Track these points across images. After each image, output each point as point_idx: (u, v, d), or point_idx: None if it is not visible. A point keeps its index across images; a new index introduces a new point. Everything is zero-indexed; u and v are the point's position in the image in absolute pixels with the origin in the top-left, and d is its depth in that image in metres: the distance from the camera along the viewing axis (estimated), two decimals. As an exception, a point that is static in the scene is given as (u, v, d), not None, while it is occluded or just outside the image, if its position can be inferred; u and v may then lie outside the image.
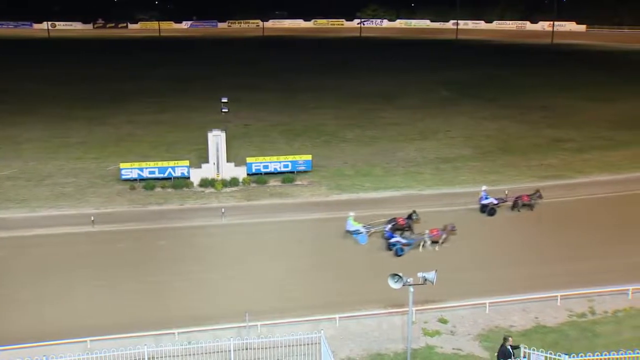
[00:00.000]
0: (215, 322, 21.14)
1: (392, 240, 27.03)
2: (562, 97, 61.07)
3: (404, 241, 26.97)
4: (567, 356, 17.28)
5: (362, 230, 28.02)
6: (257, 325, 20.69)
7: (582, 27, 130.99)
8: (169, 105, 58.21)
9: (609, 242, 27.76)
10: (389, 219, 28.61)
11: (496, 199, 31.58)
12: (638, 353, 17.53)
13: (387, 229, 27.57)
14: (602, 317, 22.00)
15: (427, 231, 27.40)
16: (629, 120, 49.17)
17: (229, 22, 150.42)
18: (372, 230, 28.45)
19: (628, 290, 23.00)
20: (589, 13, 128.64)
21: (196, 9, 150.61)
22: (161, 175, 35.37)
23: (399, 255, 26.57)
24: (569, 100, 59.28)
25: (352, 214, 28.42)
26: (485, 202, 31.47)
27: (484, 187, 32.02)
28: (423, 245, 27.23)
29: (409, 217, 28.90)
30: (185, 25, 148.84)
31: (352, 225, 28.11)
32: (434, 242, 27.39)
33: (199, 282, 24.54)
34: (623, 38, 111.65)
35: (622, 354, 17.41)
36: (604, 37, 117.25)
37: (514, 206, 31.86)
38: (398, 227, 28.20)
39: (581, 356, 17.37)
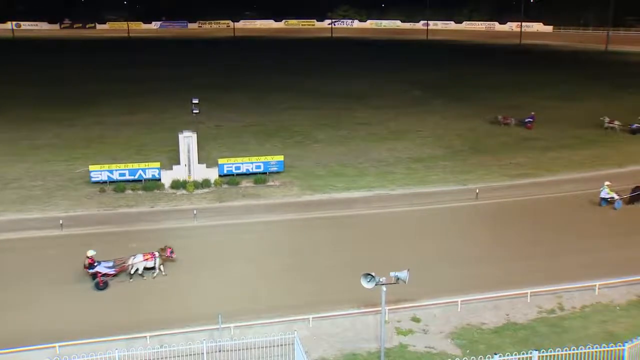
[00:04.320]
0: (188, 325, 20.94)
1: None
2: (530, 96, 62.00)
3: None
4: (537, 352, 17.54)
5: (616, 197, 31.88)
6: (229, 327, 20.57)
7: (549, 28, 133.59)
8: (139, 106, 57.60)
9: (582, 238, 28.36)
10: (634, 186, 32.62)
11: None
12: (605, 347, 17.89)
13: None
14: (571, 312, 22.39)
15: None
16: (595, 119, 50.15)
17: (199, 23, 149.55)
18: (624, 197, 32.20)
19: (595, 286, 23.46)
20: (555, 14, 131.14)
21: (165, 10, 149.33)
22: (131, 178, 34.94)
23: None
24: (537, 99, 60.18)
25: (607, 183, 32.30)
26: None
27: None
28: None
29: None
30: (154, 25, 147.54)
31: (607, 194, 32.00)
32: None
33: (171, 284, 24.32)
34: (588, 38, 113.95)
35: (589, 349, 17.74)
36: (569, 37, 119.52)
37: None
38: None
39: (550, 352, 17.66)
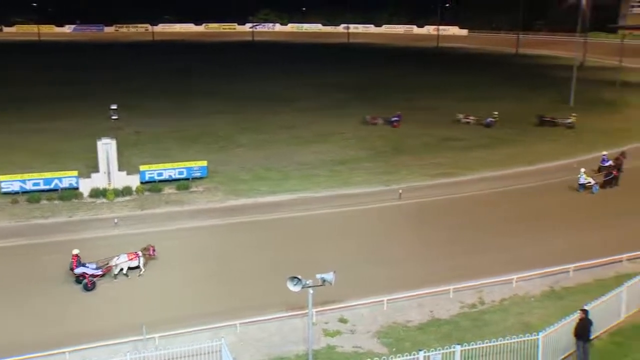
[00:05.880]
0: (111, 337, 20.23)
1: None
2: (448, 97, 64.00)
3: None
4: (459, 346, 18.08)
5: (593, 182, 34.28)
6: (154, 337, 20.06)
7: (465, 31, 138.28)
8: (53, 112, 55.32)
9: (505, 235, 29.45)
10: (606, 172, 35.51)
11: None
12: (521, 338, 18.68)
13: None
14: (491, 306, 23.22)
15: None
16: (508, 119, 52.40)
17: (116, 27, 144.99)
18: (599, 181, 34.90)
19: (512, 279, 24.46)
20: (470, 18, 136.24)
21: (79, 13, 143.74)
22: (47, 187, 33.52)
23: None
24: (454, 100, 62.11)
25: (583, 169, 34.85)
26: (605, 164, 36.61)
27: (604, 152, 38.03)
28: None
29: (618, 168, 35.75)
30: (68, 29, 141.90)
31: (585, 179, 34.42)
32: None
33: (91, 294, 23.49)
34: (500, 42, 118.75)
35: (507, 340, 18.44)
36: (483, 40, 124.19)
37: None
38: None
39: (472, 345, 18.25)
